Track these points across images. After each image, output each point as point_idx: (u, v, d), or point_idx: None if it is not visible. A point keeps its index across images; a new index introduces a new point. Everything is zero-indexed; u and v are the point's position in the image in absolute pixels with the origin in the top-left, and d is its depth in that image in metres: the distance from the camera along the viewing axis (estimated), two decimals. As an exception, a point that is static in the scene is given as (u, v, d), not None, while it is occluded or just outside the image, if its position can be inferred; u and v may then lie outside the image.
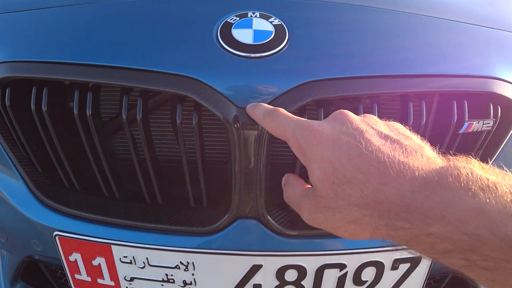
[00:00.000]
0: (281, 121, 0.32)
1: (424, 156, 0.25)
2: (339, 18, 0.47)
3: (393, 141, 0.26)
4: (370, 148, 0.25)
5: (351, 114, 0.29)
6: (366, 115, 0.30)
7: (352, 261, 0.48)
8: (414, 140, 0.27)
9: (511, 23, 0.55)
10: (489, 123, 0.45)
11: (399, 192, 0.23)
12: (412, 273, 0.50)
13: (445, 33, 0.49)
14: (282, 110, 0.33)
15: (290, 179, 0.34)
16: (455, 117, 0.44)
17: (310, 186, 0.30)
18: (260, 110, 0.35)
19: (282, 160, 0.51)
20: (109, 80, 0.40)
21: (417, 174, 0.24)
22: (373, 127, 0.28)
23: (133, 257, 0.47)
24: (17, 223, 0.51)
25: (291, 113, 0.34)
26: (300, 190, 0.31)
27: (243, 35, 0.42)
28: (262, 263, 0.46)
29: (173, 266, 0.46)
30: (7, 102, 0.45)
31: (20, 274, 0.61)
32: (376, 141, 0.26)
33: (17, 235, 0.52)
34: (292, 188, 0.32)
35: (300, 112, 0.41)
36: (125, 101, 0.41)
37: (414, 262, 0.48)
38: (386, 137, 0.27)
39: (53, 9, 0.51)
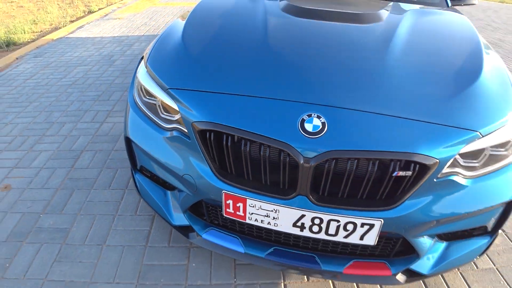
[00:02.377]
0: None
1: None
2: (349, 118, 1.18)
3: None
4: None
5: None
6: None
7: (343, 220, 1.21)
8: None
9: (441, 116, 1.21)
10: (410, 170, 1.15)
11: None
12: (371, 230, 1.23)
13: (401, 127, 1.17)
14: None
15: None
16: (395, 168, 1.14)
17: None
18: None
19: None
20: (242, 135, 1.16)
21: None
22: None
23: (254, 205, 1.25)
24: (205, 186, 1.30)
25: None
26: None
27: (309, 127, 1.14)
28: (305, 214, 1.22)
29: (271, 210, 1.23)
30: (211, 140, 1.22)
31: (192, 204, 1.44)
32: None
33: (203, 190, 1.31)
34: None
35: (323, 162, 1.14)
36: (266, 152, 1.16)
37: (371, 226, 1.21)
38: None
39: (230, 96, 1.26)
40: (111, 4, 7.56)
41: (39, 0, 8.14)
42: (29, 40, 5.10)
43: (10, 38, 4.96)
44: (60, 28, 5.64)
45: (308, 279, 1.58)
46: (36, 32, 5.54)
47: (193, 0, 8.13)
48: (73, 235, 1.76)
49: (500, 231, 1.97)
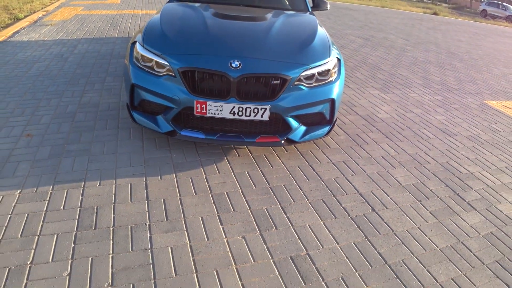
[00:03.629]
0: None
1: None
2: (251, 61, 2.65)
3: None
4: None
5: None
6: None
7: (252, 106, 2.66)
8: None
9: (296, 59, 2.76)
10: (278, 81, 2.66)
11: None
12: (266, 111, 2.70)
13: (274, 63, 2.69)
14: None
15: None
16: (273, 81, 2.65)
17: None
18: None
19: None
20: (203, 71, 2.58)
21: None
22: None
23: (210, 104, 2.63)
24: (185, 99, 2.64)
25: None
26: None
27: (234, 65, 2.59)
28: (235, 106, 2.63)
29: (218, 105, 2.62)
30: (188, 76, 2.60)
31: (174, 116, 2.78)
32: None
33: (184, 102, 2.65)
34: None
35: (241, 79, 2.60)
36: (215, 78, 2.58)
37: (265, 109, 2.68)
38: None
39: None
40: (34, 12, 8.27)
41: (-48, 8, 8.46)
42: (-31, 45, 5.79)
43: (-50, 43, 5.63)
44: (-5, 33, 6.36)
45: (238, 155, 3.02)
46: (-30, 37, 6.19)
47: (112, 8, 9.15)
48: (93, 151, 2.96)
49: (344, 132, 3.65)
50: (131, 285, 1.86)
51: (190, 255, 2.05)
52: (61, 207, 2.34)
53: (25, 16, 7.73)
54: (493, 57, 8.72)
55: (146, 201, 2.43)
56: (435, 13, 21.68)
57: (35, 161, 2.78)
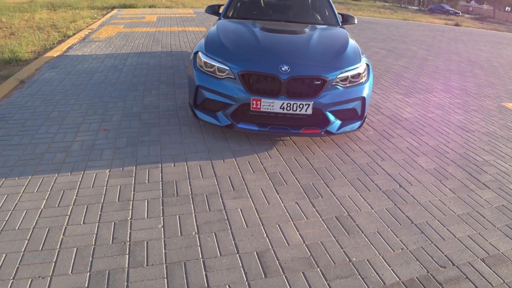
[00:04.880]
0: None
1: None
2: (297, 65, 3.32)
3: None
4: None
5: None
6: None
7: (298, 102, 3.31)
8: None
9: (333, 65, 3.43)
10: (319, 82, 3.32)
11: None
12: (309, 106, 3.34)
13: (316, 67, 3.36)
14: None
15: None
16: (315, 82, 3.31)
17: None
18: None
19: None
20: (258, 73, 3.26)
21: None
22: None
23: (264, 101, 3.30)
24: (243, 97, 3.31)
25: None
26: None
27: (283, 69, 3.27)
28: (285, 102, 3.29)
29: (271, 102, 3.28)
30: (245, 78, 3.29)
31: (232, 111, 3.46)
32: None
33: (242, 99, 3.32)
34: None
35: (289, 81, 3.27)
36: (268, 79, 3.26)
37: (308, 105, 3.32)
38: None
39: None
40: (80, 30, 9.23)
41: (4, 27, 9.51)
42: (31, 58, 6.67)
43: (16, 56, 6.52)
44: (51, 48, 7.25)
45: (285, 145, 3.66)
46: (30, 52, 7.10)
47: (150, 26, 10.05)
48: (163, 141, 3.64)
49: (372, 129, 4.26)
50: (213, 233, 2.49)
51: (256, 213, 2.68)
52: (146, 181, 3.00)
53: (73, 34, 8.67)
54: (514, 65, 9.17)
55: (214, 177, 3.08)
56: (456, 24, 22.14)
57: (116, 149, 3.48)
